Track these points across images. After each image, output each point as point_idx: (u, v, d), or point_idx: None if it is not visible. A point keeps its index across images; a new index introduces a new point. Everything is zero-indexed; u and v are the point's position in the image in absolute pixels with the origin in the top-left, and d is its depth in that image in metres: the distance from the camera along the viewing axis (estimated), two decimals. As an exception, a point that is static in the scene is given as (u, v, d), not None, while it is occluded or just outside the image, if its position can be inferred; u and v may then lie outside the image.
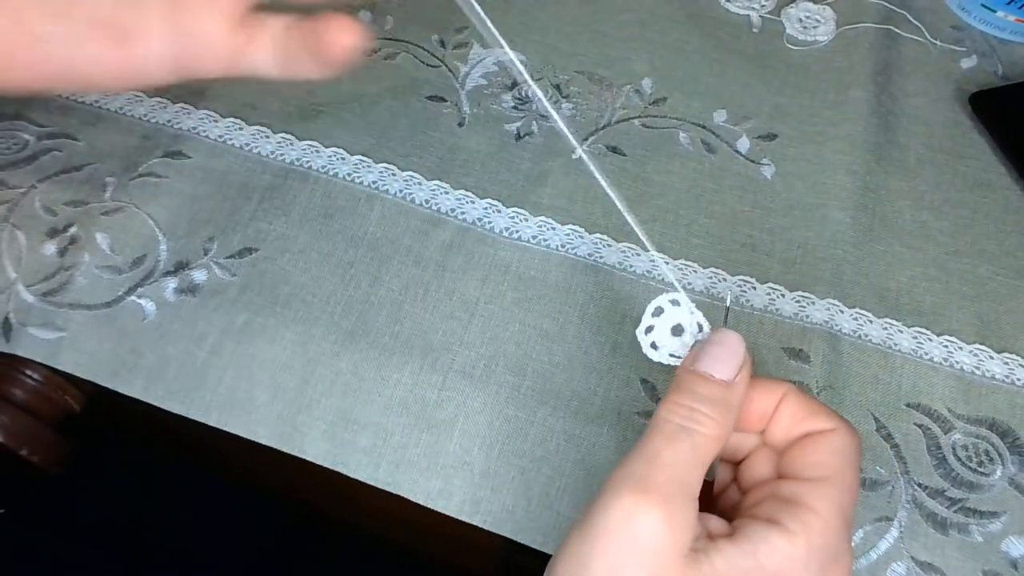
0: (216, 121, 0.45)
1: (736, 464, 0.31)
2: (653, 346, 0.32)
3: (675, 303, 0.32)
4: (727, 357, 0.29)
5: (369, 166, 0.44)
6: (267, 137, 0.45)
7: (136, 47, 0.32)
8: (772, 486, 0.29)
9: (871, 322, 0.41)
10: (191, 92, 0.46)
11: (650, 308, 0.33)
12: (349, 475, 0.37)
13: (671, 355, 0.32)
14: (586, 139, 0.46)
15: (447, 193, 0.43)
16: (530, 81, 0.32)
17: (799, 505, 0.27)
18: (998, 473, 0.37)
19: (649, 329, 0.33)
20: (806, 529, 0.26)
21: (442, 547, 0.44)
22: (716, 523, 0.28)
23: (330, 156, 0.44)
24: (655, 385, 0.39)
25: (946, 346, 0.40)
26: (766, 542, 0.26)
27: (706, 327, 0.32)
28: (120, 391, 0.38)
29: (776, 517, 0.27)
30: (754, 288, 0.41)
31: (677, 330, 0.32)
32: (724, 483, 0.31)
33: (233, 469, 0.49)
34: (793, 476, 0.28)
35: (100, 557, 0.49)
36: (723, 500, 0.31)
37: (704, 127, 0.47)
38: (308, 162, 0.44)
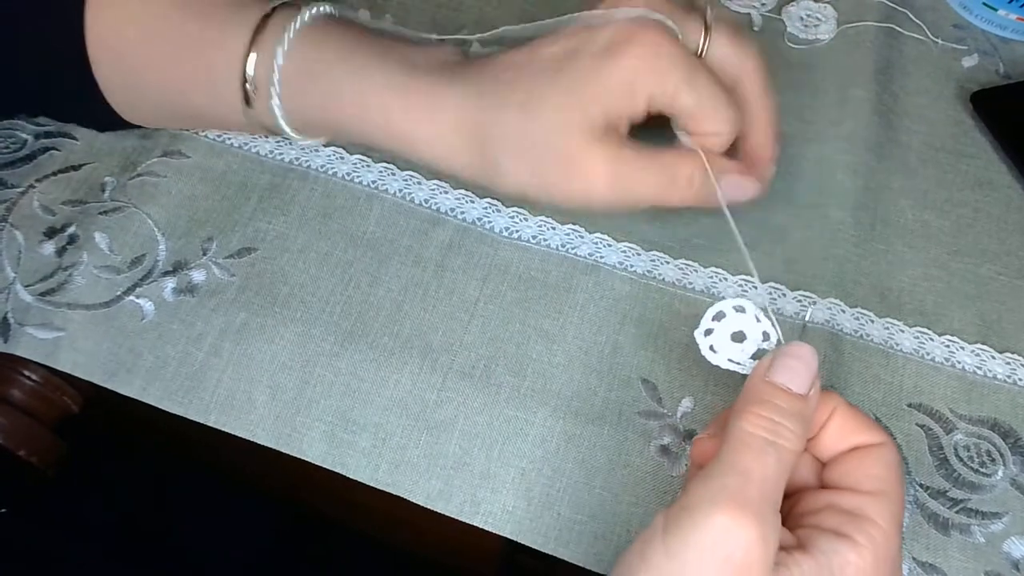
0: (215, 120, 0.45)
1: None
2: (712, 349, 0.33)
3: (740, 310, 0.33)
4: (804, 371, 0.30)
5: (368, 165, 0.44)
6: (265, 136, 0.44)
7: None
8: (829, 497, 0.30)
9: (872, 322, 0.41)
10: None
11: (711, 311, 0.33)
12: (349, 476, 0.37)
13: (730, 360, 0.33)
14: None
15: (447, 192, 0.43)
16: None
17: (863, 518, 0.28)
18: (1000, 474, 0.37)
19: (708, 332, 0.33)
20: (872, 541, 0.27)
21: (442, 548, 0.43)
22: (785, 536, 0.28)
23: (329, 155, 0.44)
24: (656, 385, 0.38)
25: (948, 346, 0.40)
26: (838, 555, 0.27)
27: (773, 337, 0.32)
28: (118, 391, 0.38)
29: (843, 530, 0.28)
30: (755, 288, 0.41)
31: (738, 336, 0.33)
32: None
33: (232, 470, 0.49)
34: (849, 488, 0.29)
35: (99, 557, 0.49)
36: None
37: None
38: (307, 161, 0.44)
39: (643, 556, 0.27)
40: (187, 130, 0.43)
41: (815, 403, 0.30)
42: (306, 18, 0.36)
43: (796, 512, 0.30)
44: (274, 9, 0.37)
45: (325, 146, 0.43)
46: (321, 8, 0.37)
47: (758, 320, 0.33)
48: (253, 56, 0.36)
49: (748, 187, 0.37)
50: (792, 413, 0.29)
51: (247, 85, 0.36)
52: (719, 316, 0.33)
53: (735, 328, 0.33)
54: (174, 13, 0.37)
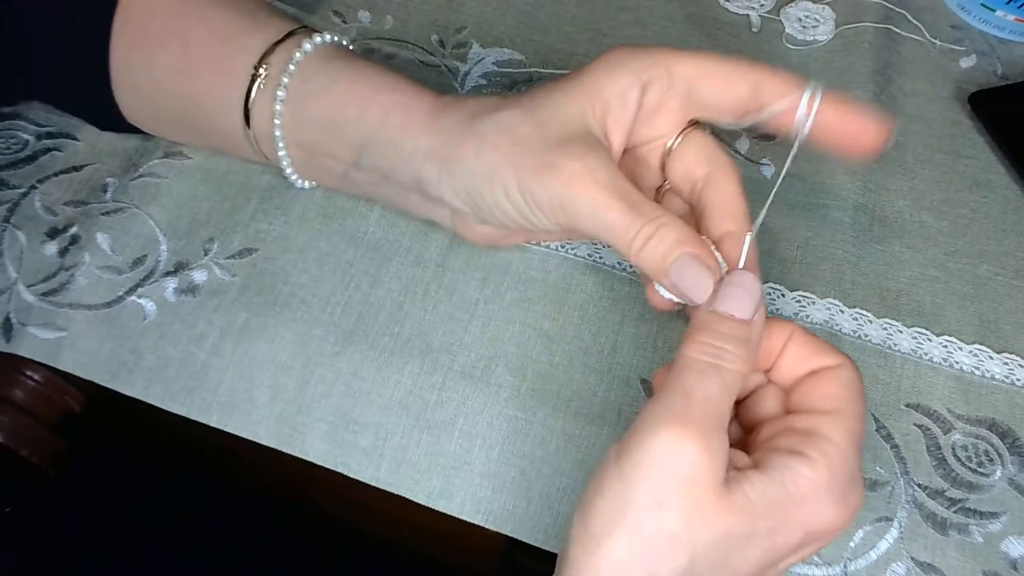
0: (216, 121, 0.45)
1: (738, 403, 0.33)
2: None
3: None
4: (746, 297, 0.30)
5: (369, 166, 0.44)
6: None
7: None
8: (786, 420, 0.31)
9: (871, 322, 0.41)
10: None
11: None
12: (350, 476, 0.37)
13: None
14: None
15: (447, 193, 0.43)
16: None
17: (817, 435, 0.29)
18: (998, 473, 0.38)
19: None
20: (825, 457, 0.28)
21: (443, 546, 0.44)
22: (740, 457, 0.29)
23: (330, 156, 0.44)
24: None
25: (945, 346, 0.41)
26: (790, 470, 0.28)
27: (722, 266, 0.33)
28: (120, 391, 0.38)
29: (796, 447, 0.29)
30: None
31: None
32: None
33: (233, 469, 0.49)
34: (806, 410, 0.30)
35: (100, 557, 0.49)
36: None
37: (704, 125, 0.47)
38: (308, 162, 0.44)
39: (599, 484, 0.28)
40: (192, 145, 0.43)
41: (760, 327, 0.30)
42: (316, 43, 0.37)
43: (759, 440, 0.31)
44: (288, 34, 0.37)
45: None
46: (330, 37, 0.38)
47: None
48: (262, 72, 0.37)
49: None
50: (734, 337, 0.29)
51: (249, 105, 0.37)
52: None
53: None
54: (199, 28, 0.38)
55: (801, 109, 0.32)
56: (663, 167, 0.36)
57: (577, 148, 0.32)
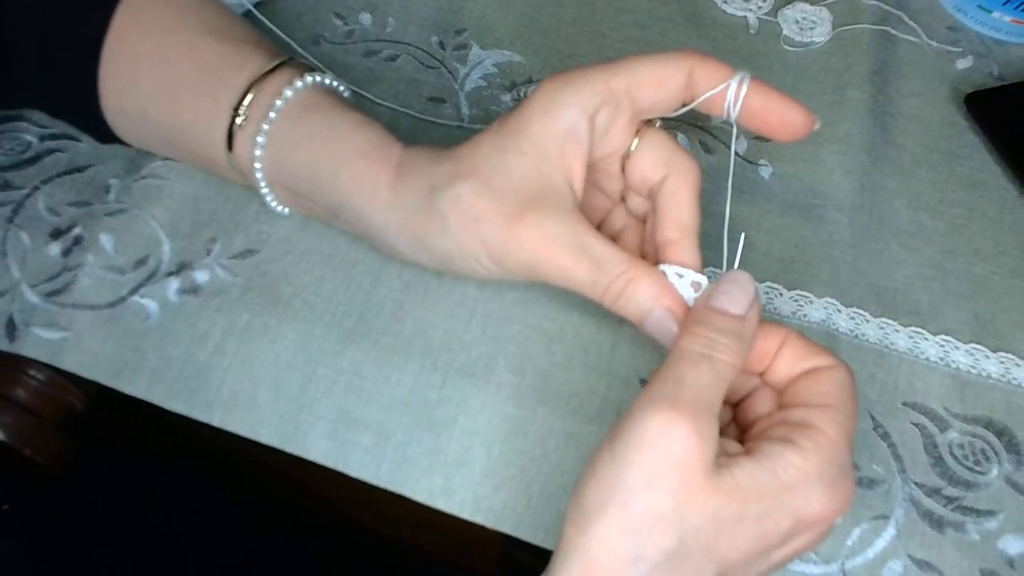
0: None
1: (735, 405, 0.34)
2: None
3: (679, 275, 0.34)
4: (740, 294, 0.31)
5: (370, 167, 0.44)
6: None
7: None
8: (779, 414, 0.31)
9: (868, 321, 0.41)
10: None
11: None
12: (351, 475, 0.37)
13: None
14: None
15: (447, 194, 0.43)
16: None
17: (809, 426, 0.30)
18: (994, 471, 0.38)
19: None
20: (816, 447, 0.29)
21: (443, 544, 0.44)
22: (732, 445, 0.30)
23: (331, 157, 0.44)
24: (654, 384, 0.39)
25: (942, 345, 0.41)
26: (781, 457, 0.28)
27: (704, 283, 0.34)
28: (123, 391, 0.38)
29: (789, 437, 0.29)
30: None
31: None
32: (723, 423, 0.33)
33: (234, 468, 0.49)
34: (799, 404, 0.31)
35: (102, 556, 0.49)
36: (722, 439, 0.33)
37: (702, 128, 0.47)
38: (309, 163, 0.44)
39: (593, 468, 0.29)
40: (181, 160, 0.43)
41: (754, 322, 0.31)
42: (296, 88, 0.37)
43: (751, 434, 0.32)
44: (273, 69, 0.37)
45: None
46: (311, 80, 0.38)
47: (680, 276, 0.34)
48: (242, 113, 0.37)
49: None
50: (727, 330, 0.30)
51: (231, 140, 0.37)
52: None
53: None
54: (186, 58, 0.38)
55: (729, 96, 0.34)
56: (624, 170, 0.37)
57: (536, 215, 0.33)
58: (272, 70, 0.37)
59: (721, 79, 0.33)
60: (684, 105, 0.34)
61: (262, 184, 0.38)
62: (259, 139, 0.37)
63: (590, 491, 0.28)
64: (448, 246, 0.34)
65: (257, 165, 0.37)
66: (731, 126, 0.35)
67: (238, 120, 0.37)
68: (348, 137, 0.36)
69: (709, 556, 0.28)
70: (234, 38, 0.38)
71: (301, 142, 0.36)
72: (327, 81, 0.38)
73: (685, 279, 0.34)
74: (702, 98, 0.34)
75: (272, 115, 0.36)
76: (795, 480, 0.28)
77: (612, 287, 0.33)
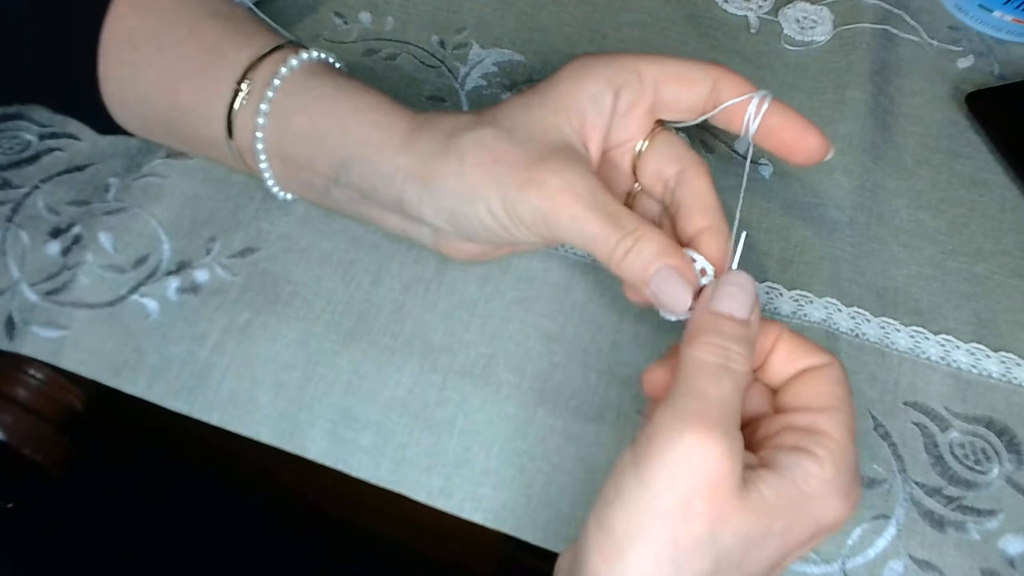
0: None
1: None
2: None
3: (692, 259, 0.34)
4: (742, 296, 0.31)
5: (370, 166, 0.44)
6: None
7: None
8: (784, 418, 0.31)
9: (868, 321, 0.41)
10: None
11: None
12: (351, 474, 0.37)
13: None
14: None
15: (447, 193, 0.43)
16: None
17: (819, 432, 0.30)
18: (995, 471, 0.38)
19: None
20: (830, 454, 0.29)
21: (443, 544, 0.44)
22: (746, 456, 0.30)
23: (331, 156, 0.44)
24: (654, 384, 0.39)
25: (943, 345, 0.41)
26: (800, 468, 0.29)
27: (710, 271, 0.34)
28: (123, 390, 0.38)
29: (801, 445, 0.29)
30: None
31: None
32: None
33: (234, 468, 0.49)
34: (802, 408, 0.31)
35: (102, 555, 0.49)
36: None
37: (702, 127, 0.47)
38: (309, 162, 0.44)
39: (617, 490, 0.28)
40: (180, 151, 0.43)
41: (757, 326, 0.31)
42: (302, 59, 0.37)
43: (756, 439, 0.32)
44: (275, 48, 0.37)
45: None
46: (316, 54, 0.38)
47: (693, 260, 0.34)
48: (245, 87, 0.37)
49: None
50: (737, 337, 0.30)
51: (232, 117, 0.37)
52: None
53: None
54: (189, 39, 0.37)
55: (750, 111, 0.34)
56: (634, 170, 0.37)
57: (557, 163, 0.33)
58: (275, 49, 0.37)
59: (744, 94, 0.34)
60: (703, 114, 0.35)
61: (262, 158, 0.38)
62: (262, 107, 0.36)
63: (618, 517, 0.27)
64: (460, 189, 0.34)
65: (259, 135, 0.37)
66: (748, 143, 0.35)
67: (240, 95, 0.36)
68: (358, 96, 0.36)
69: (738, 571, 0.28)
70: (235, 19, 0.38)
71: (307, 104, 0.36)
72: (331, 60, 0.39)
73: (696, 264, 0.34)
74: (724, 105, 0.34)
75: (277, 82, 0.36)
76: (815, 490, 0.28)
77: (622, 243, 0.32)
